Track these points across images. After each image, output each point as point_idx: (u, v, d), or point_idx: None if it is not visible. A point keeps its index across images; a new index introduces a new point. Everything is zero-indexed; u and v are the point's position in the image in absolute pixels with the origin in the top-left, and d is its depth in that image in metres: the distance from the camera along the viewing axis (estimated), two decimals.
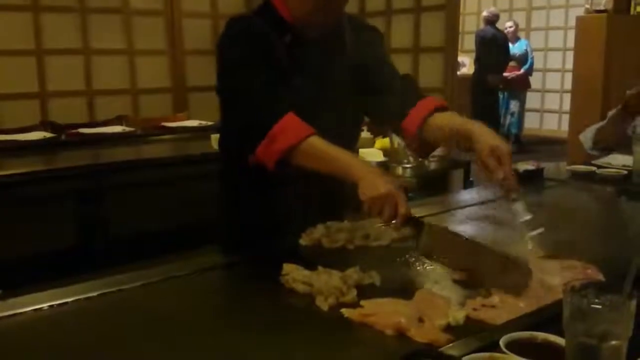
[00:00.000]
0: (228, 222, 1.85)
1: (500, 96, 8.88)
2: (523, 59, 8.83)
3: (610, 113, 2.79)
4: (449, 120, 1.60)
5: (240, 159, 1.63)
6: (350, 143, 1.78)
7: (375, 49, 1.78)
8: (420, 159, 2.27)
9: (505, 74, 8.68)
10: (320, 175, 1.51)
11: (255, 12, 1.66)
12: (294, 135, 1.48)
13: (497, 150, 1.48)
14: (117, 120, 4.47)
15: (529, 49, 8.93)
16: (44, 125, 4.18)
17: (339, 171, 1.48)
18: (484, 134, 1.52)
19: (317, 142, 1.49)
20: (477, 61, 8.50)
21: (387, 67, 1.77)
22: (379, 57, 1.77)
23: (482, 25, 8.74)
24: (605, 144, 2.79)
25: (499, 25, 8.59)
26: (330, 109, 1.63)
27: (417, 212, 2.04)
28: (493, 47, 8.31)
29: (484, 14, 8.72)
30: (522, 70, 8.80)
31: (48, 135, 3.96)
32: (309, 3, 1.56)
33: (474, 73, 8.52)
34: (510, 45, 8.71)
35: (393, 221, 1.43)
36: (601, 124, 2.83)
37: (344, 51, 1.68)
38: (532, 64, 8.93)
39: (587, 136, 2.85)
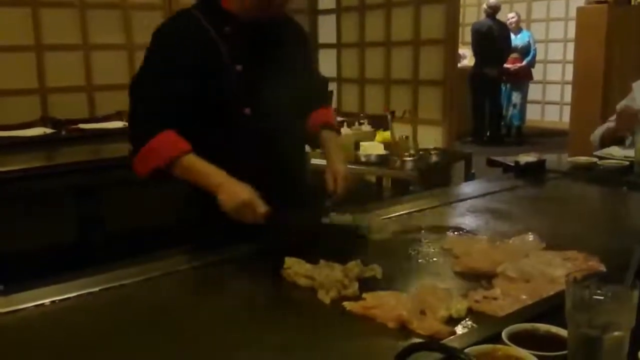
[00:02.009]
0: (194, 221, 1.84)
1: (503, 88, 8.84)
2: (525, 50, 8.74)
3: (609, 122, 2.88)
4: (324, 141, 1.85)
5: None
6: (295, 128, 1.84)
7: (305, 48, 1.93)
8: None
9: (507, 66, 8.64)
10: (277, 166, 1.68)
11: (197, 6, 1.71)
12: (165, 155, 1.59)
13: (334, 171, 1.73)
14: (117, 116, 4.46)
15: (531, 41, 8.80)
16: (44, 121, 4.17)
17: (203, 184, 1.60)
18: (333, 160, 1.79)
19: (187, 160, 1.60)
20: (475, 54, 8.44)
21: (312, 68, 1.96)
22: (307, 57, 1.94)
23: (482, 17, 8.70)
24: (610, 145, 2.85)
25: (501, 16, 8.54)
26: (272, 94, 1.71)
27: (418, 204, 2.05)
28: (489, 39, 8.26)
29: (483, 6, 8.68)
30: (524, 62, 8.73)
31: (48, 131, 3.96)
32: (249, 4, 1.66)
33: (473, 66, 8.48)
34: (513, 36, 8.66)
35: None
36: (605, 126, 2.90)
37: (281, 42, 1.77)
38: (534, 56, 8.81)
39: (595, 137, 2.93)
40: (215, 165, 1.62)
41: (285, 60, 1.77)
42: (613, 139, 2.84)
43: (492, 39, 8.25)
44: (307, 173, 1.98)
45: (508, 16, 8.84)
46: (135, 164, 1.64)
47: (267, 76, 1.71)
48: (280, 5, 1.70)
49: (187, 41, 1.65)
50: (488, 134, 8.59)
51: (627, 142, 2.81)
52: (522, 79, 8.83)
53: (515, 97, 8.85)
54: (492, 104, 8.50)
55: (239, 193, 1.55)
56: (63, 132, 4.00)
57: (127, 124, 4.19)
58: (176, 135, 1.61)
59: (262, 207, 1.55)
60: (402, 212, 1.96)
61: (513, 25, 8.72)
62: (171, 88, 1.63)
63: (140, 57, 4.87)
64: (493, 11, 8.39)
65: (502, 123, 8.91)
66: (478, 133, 8.51)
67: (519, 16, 8.85)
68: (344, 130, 4.02)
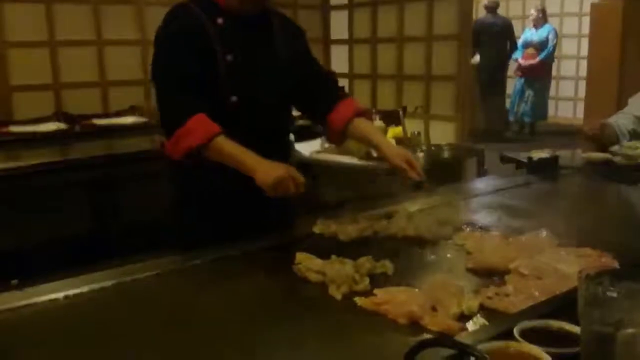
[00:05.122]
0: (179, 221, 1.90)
1: (517, 84, 8.77)
2: (541, 46, 8.59)
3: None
4: (366, 129, 1.89)
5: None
6: (280, 119, 1.91)
7: (300, 43, 1.94)
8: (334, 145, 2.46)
9: (520, 61, 8.58)
10: None
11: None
12: (198, 137, 1.63)
13: (405, 156, 1.77)
14: (131, 111, 4.48)
15: (550, 36, 8.56)
16: (57, 116, 4.19)
17: (237, 167, 1.64)
18: (389, 146, 1.83)
19: (219, 143, 1.64)
20: (477, 49, 8.35)
21: (312, 62, 1.97)
22: (303, 51, 1.95)
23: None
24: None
25: (518, 11, 8.44)
26: (259, 85, 1.79)
27: (432, 200, 2.04)
28: (491, 34, 8.23)
29: (483, 1, 8.63)
30: (537, 59, 8.60)
31: (62, 126, 3.97)
32: None
33: (478, 62, 8.42)
34: (533, 30, 8.59)
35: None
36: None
37: (271, 36, 1.84)
38: (549, 52, 8.58)
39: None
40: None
41: (276, 53, 1.83)
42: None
43: (494, 34, 8.21)
44: (292, 163, 2.01)
45: (531, 11, 8.76)
46: (170, 147, 1.69)
47: (254, 67, 1.78)
48: None
49: (188, 32, 1.73)
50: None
51: (623, 140, 2.78)
52: (537, 75, 8.71)
53: (527, 93, 8.75)
54: (495, 100, 8.45)
55: (275, 168, 1.60)
56: (77, 128, 4.02)
57: (140, 118, 4.26)
58: (207, 117, 1.66)
59: (301, 177, 1.60)
60: (414, 208, 1.96)
61: (534, 20, 8.62)
62: (190, 75, 1.70)
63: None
64: (494, 6, 8.37)
65: (512, 119, 8.86)
66: (486, 129, 8.44)
67: (539, 11, 8.69)
68: None
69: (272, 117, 1.84)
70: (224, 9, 1.76)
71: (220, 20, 1.74)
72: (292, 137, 2.07)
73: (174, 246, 1.77)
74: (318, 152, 3.57)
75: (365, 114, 1.92)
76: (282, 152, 1.85)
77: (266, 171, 1.59)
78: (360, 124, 1.87)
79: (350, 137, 1.93)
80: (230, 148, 1.65)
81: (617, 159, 2.55)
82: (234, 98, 1.74)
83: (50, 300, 1.33)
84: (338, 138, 1.96)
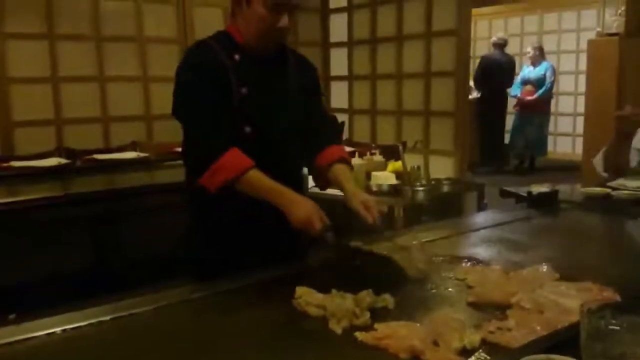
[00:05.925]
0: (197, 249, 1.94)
1: (516, 119, 8.84)
2: (539, 83, 8.67)
3: (609, 143, 2.86)
4: (339, 173, 1.91)
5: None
6: (294, 152, 1.94)
7: (311, 76, 2.03)
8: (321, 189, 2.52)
9: (519, 97, 8.68)
10: None
11: (213, 37, 1.89)
12: (233, 171, 1.71)
13: (364, 200, 1.78)
14: (132, 146, 4.51)
15: (548, 73, 8.60)
16: (59, 151, 4.22)
17: (270, 199, 1.72)
18: (352, 192, 1.83)
19: (252, 176, 1.72)
20: (477, 84, 8.46)
21: (319, 98, 2.06)
22: (312, 84, 2.02)
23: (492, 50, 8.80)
24: (615, 167, 2.80)
25: (516, 49, 8.60)
26: (272, 116, 1.86)
27: (430, 235, 2.04)
28: (496, 71, 8.37)
29: (493, 38, 8.79)
30: (535, 95, 8.67)
31: (63, 161, 4.00)
32: (254, 31, 1.80)
33: (479, 97, 8.52)
34: (531, 68, 8.70)
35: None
36: (606, 147, 2.87)
37: (285, 71, 1.92)
38: (547, 89, 8.60)
39: (597, 160, 2.90)
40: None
41: (288, 88, 1.90)
42: (616, 154, 2.79)
43: (499, 71, 8.35)
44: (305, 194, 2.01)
45: (528, 49, 8.88)
46: (205, 180, 1.73)
47: (267, 100, 1.85)
48: (281, 35, 1.83)
49: (207, 66, 1.80)
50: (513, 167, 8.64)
51: (633, 163, 2.78)
52: (535, 111, 8.77)
53: (528, 129, 8.80)
54: (494, 135, 8.55)
55: (307, 205, 1.68)
56: (78, 163, 4.04)
57: (141, 154, 4.28)
58: (240, 151, 1.73)
59: (326, 218, 1.68)
60: (414, 242, 1.95)
61: (531, 58, 8.72)
62: (212, 107, 1.77)
63: (155, 88, 4.92)
64: (503, 43, 8.49)
65: (512, 153, 8.92)
66: (486, 164, 8.49)
67: (536, 49, 8.79)
68: (356, 160, 4.03)
69: (286, 150, 1.89)
70: (241, 47, 1.83)
71: (237, 57, 1.82)
72: (305, 171, 2.08)
73: (185, 277, 1.80)
74: (312, 186, 3.58)
75: (347, 161, 1.97)
76: (295, 186, 1.86)
77: (299, 206, 1.68)
78: (338, 169, 1.91)
79: (329, 182, 1.96)
80: (263, 181, 1.72)
81: (616, 193, 2.56)
82: (247, 129, 1.80)
83: (48, 335, 1.32)
84: (323, 181, 1.99)
